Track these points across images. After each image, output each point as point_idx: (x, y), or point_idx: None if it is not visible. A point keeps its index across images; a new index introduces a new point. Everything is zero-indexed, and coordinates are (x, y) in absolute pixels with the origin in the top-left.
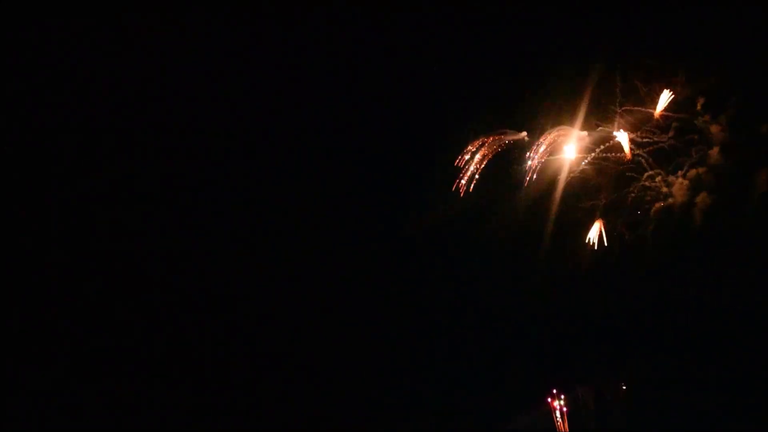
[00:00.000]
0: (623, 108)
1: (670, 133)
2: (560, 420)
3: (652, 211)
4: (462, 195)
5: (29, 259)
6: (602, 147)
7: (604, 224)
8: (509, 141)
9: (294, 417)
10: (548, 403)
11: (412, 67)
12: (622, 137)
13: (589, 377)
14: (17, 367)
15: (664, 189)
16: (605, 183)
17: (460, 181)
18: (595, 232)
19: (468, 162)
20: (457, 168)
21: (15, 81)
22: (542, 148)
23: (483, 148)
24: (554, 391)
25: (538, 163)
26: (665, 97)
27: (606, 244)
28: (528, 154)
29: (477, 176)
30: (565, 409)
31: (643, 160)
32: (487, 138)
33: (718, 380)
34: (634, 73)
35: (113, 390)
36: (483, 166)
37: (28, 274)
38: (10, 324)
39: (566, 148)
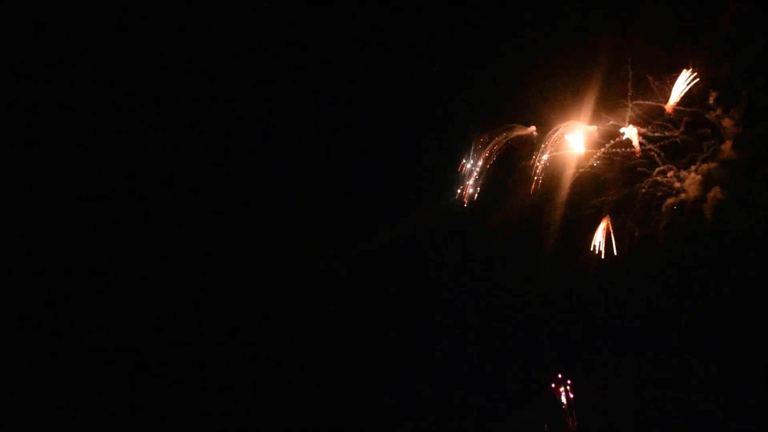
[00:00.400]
0: (634, 102)
1: (681, 128)
2: (565, 403)
3: (664, 206)
4: (465, 205)
5: (29, 259)
6: (612, 142)
7: (611, 223)
8: (517, 136)
9: (294, 417)
10: (553, 389)
11: (417, 63)
12: (632, 132)
13: (597, 375)
14: (17, 367)
15: (677, 184)
16: (615, 179)
17: (463, 191)
18: (600, 237)
19: (471, 170)
20: (463, 160)
21: (15, 81)
22: (550, 144)
23: (488, 148)
24: (559, 376)
25: (547, 159)
26: (677, 91)
27: (614, 246)
28: (535, 153)
29: (480, 187)
30: (571, 395)
31: (655, 155)
32: (494, 133)
33: (731, 380)
34: (645, 67)
35: (113, 390)
36: (488, 167)
37: (28, 274)
38: (10, 324)
39: (575, 144)
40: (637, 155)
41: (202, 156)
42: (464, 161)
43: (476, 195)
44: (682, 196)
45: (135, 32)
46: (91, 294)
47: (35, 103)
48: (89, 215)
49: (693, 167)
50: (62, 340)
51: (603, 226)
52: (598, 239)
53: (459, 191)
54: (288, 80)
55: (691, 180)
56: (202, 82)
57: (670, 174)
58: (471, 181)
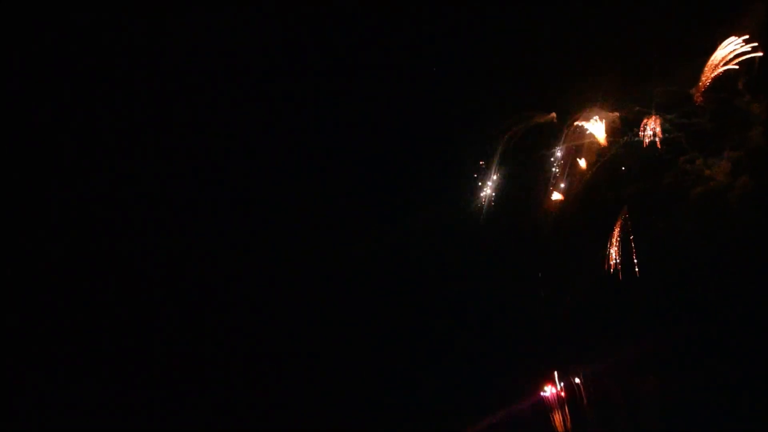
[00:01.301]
0: (659, 87)
1: (708, 114)
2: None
3: (691, 196)
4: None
5: (29, 260)
6: (635, 130)
7: (632, 222)
8: (536, 124)
9: (294, 418)
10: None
11: (432, 52)
12: (654, 121)
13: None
14: (17, 367)
15: (707, 172)
16: (637, 168)
17: (478, 187)
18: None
19: (487, 162)
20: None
21: (15, 81)
22: (571, 131)
23: (506, 136)
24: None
25: (566, 148)
26: (705, 76)
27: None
28: (555, 142)
29: (496, 180)
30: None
31: (681, 142)
32: (513, 120)
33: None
34: (671, 51)
35: (113, 390)
36: (505, 157)
37: (28, 274)
38: (10, 324)
39: (596, 131)
40: (660, 146)
41: (202, 156)
42: (481, 152)
43: (492, 194)
44: (711, 185)
45: (135, 32)
46: (91, 294)
47: (35, 103)
48: (89, 215)
49: (723, 155)
50: (62, 340)
51: (617, 232)
52: (613, 254)
53: (473, 191)
54: (292, 80)
55: (719, 169)
56: (203, 81)
57: (698, 162)
58: (487, 177)
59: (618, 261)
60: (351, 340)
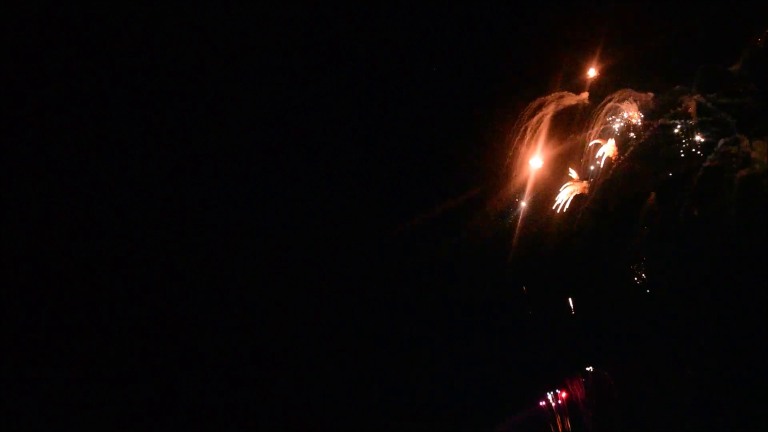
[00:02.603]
0: (700, 65)
1: (749, 95)
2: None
3: (735, 180)
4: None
5: (29, 260)
6: (671, 112)
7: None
8: (567, 106)
9: (294, 419)
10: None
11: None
12: (693, 100)
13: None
14: (17, 368)
15: (754, 154)
16: (672, 152)
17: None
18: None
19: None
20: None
21: (15, 80)
22: (604, 114)
23: (536, 118)
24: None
25: (599, 131)
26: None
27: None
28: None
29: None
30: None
31: (722, 123)
32: (544, 102)
33: None
34: (712, 26)
35: (113, 390)
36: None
37: (28, 274)
38: (10, 324)
39: (631, 113)
40: (700, 127)
41: (208, 157)
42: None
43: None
44: (757, 167)
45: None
46: (91, 294)
47: (36, 104)
48: (89, 215)
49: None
50: (63, 340)
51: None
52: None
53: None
54: (304, 84)
55: (764, 150)
56: (213, 82)
57: (745, 142)
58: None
59: (650, 252)
60: (355, 343)
